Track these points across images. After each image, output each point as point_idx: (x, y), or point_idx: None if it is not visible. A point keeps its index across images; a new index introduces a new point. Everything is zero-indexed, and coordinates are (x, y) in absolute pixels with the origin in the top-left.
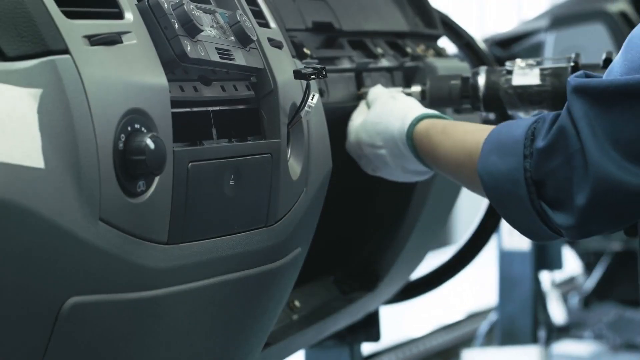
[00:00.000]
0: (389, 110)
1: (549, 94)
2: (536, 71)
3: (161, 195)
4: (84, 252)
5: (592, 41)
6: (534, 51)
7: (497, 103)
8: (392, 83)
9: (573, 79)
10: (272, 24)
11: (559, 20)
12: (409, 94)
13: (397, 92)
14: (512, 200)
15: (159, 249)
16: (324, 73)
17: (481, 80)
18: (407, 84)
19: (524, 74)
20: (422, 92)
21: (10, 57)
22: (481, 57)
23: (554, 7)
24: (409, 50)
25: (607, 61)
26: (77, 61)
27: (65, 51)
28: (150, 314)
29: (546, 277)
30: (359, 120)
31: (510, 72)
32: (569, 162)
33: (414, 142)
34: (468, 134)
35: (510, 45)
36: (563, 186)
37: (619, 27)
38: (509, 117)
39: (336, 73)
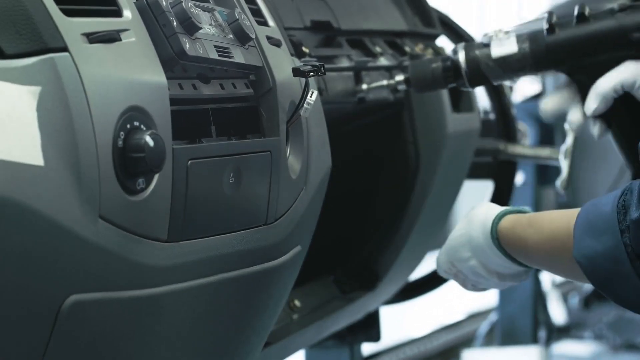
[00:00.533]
0: (468, 220)
1: (529, 59)
2: (512, 39)
3: (161, 193)
4: (84, 250)
5: None
6: None
7: (481, 77)
8: None
9: None
10: (271, 22)
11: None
12: (394, 83)
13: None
14: (617, 279)
15: (158, 247)
16: (322, 70)
17: (461, 57)
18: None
19: (501, 44)
20: (406, 80)
21: (9, 54)
22: None
23: (556, 7)
24: (407, 49)
25: (581, 16)
26: (76, 59)
27: (64, 49)
28: (150, 312)
29: (546, 277)
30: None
31: (487, 45)
32: None
33: (500, 243)
34: (555, 222)
35: None
36: None
37: None
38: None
39: (335, 72)
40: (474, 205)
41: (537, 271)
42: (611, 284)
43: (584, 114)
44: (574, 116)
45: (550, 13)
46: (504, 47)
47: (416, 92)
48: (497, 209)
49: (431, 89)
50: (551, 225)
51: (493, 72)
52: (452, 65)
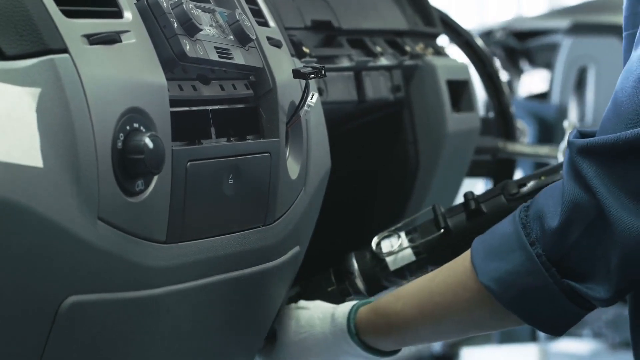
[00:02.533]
0: (306, 320)
1: (431, 265)
2: (408, 250)
3: (160, 195)
4: (83, 251)
5: (606, 54)
6: (549, 49)
7: (379, 289)
8: (391, 81)
9: (576, 141)
10: (271, 23)
11: (578, 27)
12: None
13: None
14: (532, 293)
15: (157, 248)
16: (323, 72)
17: (358, 280)
18: (406, 82)
19: (396, 258)
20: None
21: (9, 56)
22: (480, 55)
23: (579, 5)
24: (408, 48)
25: (470, 211)
26: (76, 60)
27: (64, 50)
28: (148, 313)
29: None
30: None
31: (381, 260)
32: (589, 231)
33: (360, 336)
34: (437, 275)
35: (526, 39)
36: (588, 256)
37: None
38: (504, 102)
39: (335, 72)
40: (300, 306)
41: None
42: (525, 300)
43: None
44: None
45: (443, 215)
46: (400, 258)
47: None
48: (346, 305)
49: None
50: (434, 278)
51: (396, 282)
52: (349, 285)
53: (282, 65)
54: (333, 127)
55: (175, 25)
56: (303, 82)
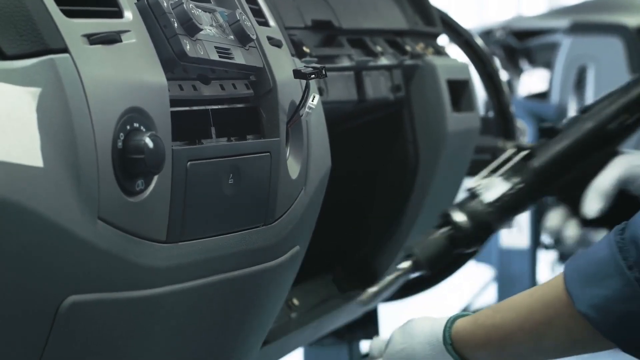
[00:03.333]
0: (409, 334)
1: (524, 190)
2: (498, 179)
3: (160, 194)
4: (83, 251)
5: (606, 53)
6: (549, 49)
7: (487, 228)
8: (391, 81)
9: None
10: (272, 23)
11: (578, 26)
12: (401, 272)
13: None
14: (634, 320)
15: (157, 248)
16: (323, 73)
17: (460, 217)
18: (406, 82)
19: (488, 188)
20: (415, 263)
21: (10, 55)
22: (480, 55)
23: (578, 5)
24: (408, 48)
25: (552, 130)
26: (76, 60)
27: (65, 50)
28: (148, 313)
29: (545, 277)
30: None
31: (476, 195)
32: None
33: (455, 348)
34: (536, 291)
35: (526, 38)
36: None
37: (635, 43)
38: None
39: (335, 71)
40: (411, 319)
41: (536, 269)
42: (625, 327)
43: (580, 226)
44: (571, 231)
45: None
46: (495, 190)
47: (429, 272)
48: (442, 317)
49: (444, 262)
50: (525, 299)
51: (496, 217)
52: (455, 230)
53: (283, 65)
54: (333, 127)
55: (176, 25)
56: (303, 81)
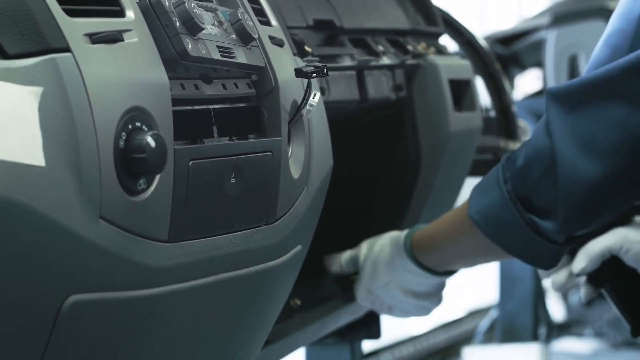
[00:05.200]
0: (380, 245)
1: None
2: None
3: (162, 194)
4: (84, 251)
5: (593, 38)
6: (535, 48)
7: None
8: (393, 81)
9: (550, 87)
10: (273, 22)
11: (560, 17)
12: None
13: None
14: (504, 225)
15: (159, 247)
16: (325, 72)
17: None
18: (408, 81)
19: None
20: None
21: (11, 55)
22: (482, 55)
23: (555, 5)
24: (410, 48)
25: None
26: (78, 59)
27: (67, 49)
28: (150, 312)
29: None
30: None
31: None
32: (547, 172)
33: (415, 254)
34: (457, 207)
35: (511, 43)
36: (547, 197)
37: None
38: (506, 101)
39: (337, 71)
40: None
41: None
42: (500, 232)
43: (570, 275)
44: (559, 277)
45: None
46: None
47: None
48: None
49: None
50: (457, 208)
51: None
52: None
53: (284, 64)
54: (335, 126)
55: (178, 24)
56: (305, 81)
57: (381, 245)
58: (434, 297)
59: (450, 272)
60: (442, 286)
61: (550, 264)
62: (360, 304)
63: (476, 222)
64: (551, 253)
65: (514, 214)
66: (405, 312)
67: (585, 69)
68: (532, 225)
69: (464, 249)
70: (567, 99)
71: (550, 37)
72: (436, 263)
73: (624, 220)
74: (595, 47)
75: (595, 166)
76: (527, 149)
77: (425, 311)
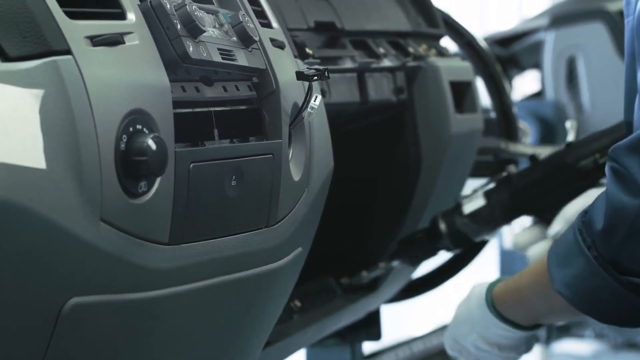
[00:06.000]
0: (468, 296)
1: (497, 209)
2: (480, 195)
3: (162, 196)
4: (85, 253)
5: (591, 40)
6: (534, 49)
7: (461, 236)
8: (394, 83)
9: (619, 143)
10: (274, 24)
11: (558, 18)
12: (387, 264)
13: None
14: (598, 293)
15: (160, 250)
16: (326, 74)
17: (442, 225)
18: (409, 83)
19: (471, 201)
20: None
21: (12, 57)
22: (482, 56)
23: (554, 6)
24: (411, 50)
25: (532, 159)
26: (79, 62)
27: (68, 52)
28: (151, 315)
29: None
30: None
31: (459, 205)
32: (632, 229)
33: (496, 307)
34: (540, 264)
35: (510, 44)
36: (638, 255)
37: (619, 27)
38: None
39: (338, 73)
40: (475, 284)
41: None
42: (593, 301)
43: (538, 237)
44: (535, 250)
45: (508, 173)
46: (473, 203)
47: (410, 265)
48: (489, 281)
49: (422, 260)
50: (539, 265)
51: (469, 228)
52: (434, 233)
53: (285, 66)
54: (335, 129)
55: (179, 26)
56: (306, 83)
57: (467, 297)
58: (520, 348)
59: (538, 326)
60: (529, 338)
61: None
62: (448, 352)
63: (565, 296)
64: None
65: (606, 279)
66: None
67: (582, 70)
68: (629, 286)
69: (555, 305)
70: None
71: (549, 39)
72: (524, 318)
73: (593, 183)
74: None
75: None
76: (607, 210)
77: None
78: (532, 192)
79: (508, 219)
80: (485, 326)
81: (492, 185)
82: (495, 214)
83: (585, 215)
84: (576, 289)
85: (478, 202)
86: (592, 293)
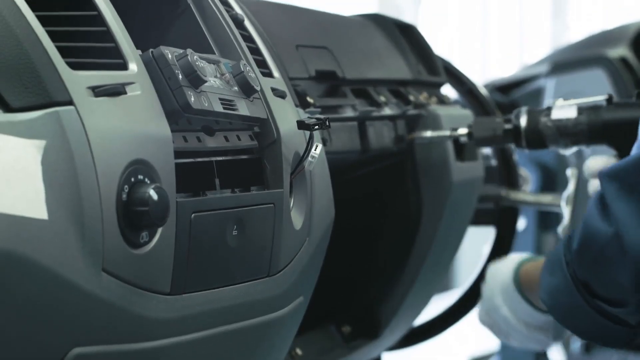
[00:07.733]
0: (496, 270)
1: (585, 128)
2: (574, 107)
3: (164, 246)
4: (87, 303)
5: (592, 86)
6: (535, 96)
7: (538, 137)
8: (395, 131)
9: (604, 169)
10: (276, 74)
11: (559, 65)
12: (457, 135)
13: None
14: (573, 310)
15: (161, 300)
16: (327, 124)
17: (523, 117)
18: (409, 132)
19: (562, 109)
20: (469, 134)
21: (15, 108)
22: (483, 103)
23: (554, 53)
24: (411, 98)
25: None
26: (81, 112)
27: (70, 102)
28: None
29: None
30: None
31: (549, 109)
32: (602, 256)
33: (522, 288)
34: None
35: (510, 91)
36: (605, 280)
37: (619, 73)
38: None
39: (339, 122)
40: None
41: None
42: (569, 316)
43: None
44: (595, 183)
45: (610, 95)
46: (564, 112)
47: (475, 145)
48: (522, 256)
49: (490, 144)
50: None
51: (550, 133)
52: (513, 127)
53: (287, 116)
54: (336, 177)
55: (180, 77)
56: (307, 132)
57: (501, 270)
58: (546, 331)
59: None
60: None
61: (623, 343)
62: (481, 324)
63: (546, 304)
64: (622, 334)
65: (579, 299)
66: (520, 342)
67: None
68: (599, 310)
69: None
70: (625, 176)
71: (550, 86)
72: (539, 302)
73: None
74: None
75: None
76: (582, 231)
77: (541, 344)
78: (628, 127)
79: (590, 140)
80: (514, 302)
81: (588, 101)
82: (581, 131)
83: (574, 231)
84: (556, 301)
85: (569, 113)
86: (568, 308)
